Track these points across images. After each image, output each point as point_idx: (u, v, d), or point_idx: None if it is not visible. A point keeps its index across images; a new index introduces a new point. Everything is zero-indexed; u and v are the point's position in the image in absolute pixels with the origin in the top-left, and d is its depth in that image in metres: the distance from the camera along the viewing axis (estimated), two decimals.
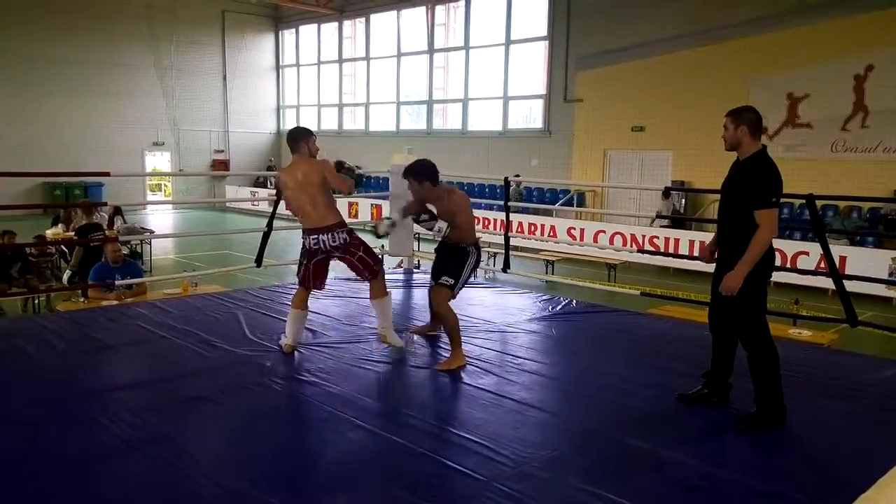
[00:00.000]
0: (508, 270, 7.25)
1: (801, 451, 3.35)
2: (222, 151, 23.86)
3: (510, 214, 7.46)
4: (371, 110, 22.08)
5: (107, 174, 6.48)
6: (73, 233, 9.25)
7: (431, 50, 19.85)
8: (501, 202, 7.68)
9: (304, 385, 3.96)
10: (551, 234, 13.75)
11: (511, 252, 7.38)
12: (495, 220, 14.27)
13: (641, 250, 11.02)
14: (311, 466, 3.00)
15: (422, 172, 4.48)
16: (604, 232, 13.16)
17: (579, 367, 4.56)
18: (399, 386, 4.20)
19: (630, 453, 3.22)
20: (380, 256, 4.95)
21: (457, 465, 3.00)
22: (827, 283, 6.99)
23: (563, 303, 6.23)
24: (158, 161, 22.85)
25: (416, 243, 8.24)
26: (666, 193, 12.02)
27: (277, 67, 25.04)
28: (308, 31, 23.85)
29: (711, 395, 3.81)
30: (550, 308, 6.08)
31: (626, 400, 3.88)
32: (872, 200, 11.62)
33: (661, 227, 12.85)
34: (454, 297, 4.48)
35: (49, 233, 9.97)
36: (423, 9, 19.74)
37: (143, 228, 12.24)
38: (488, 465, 3.00)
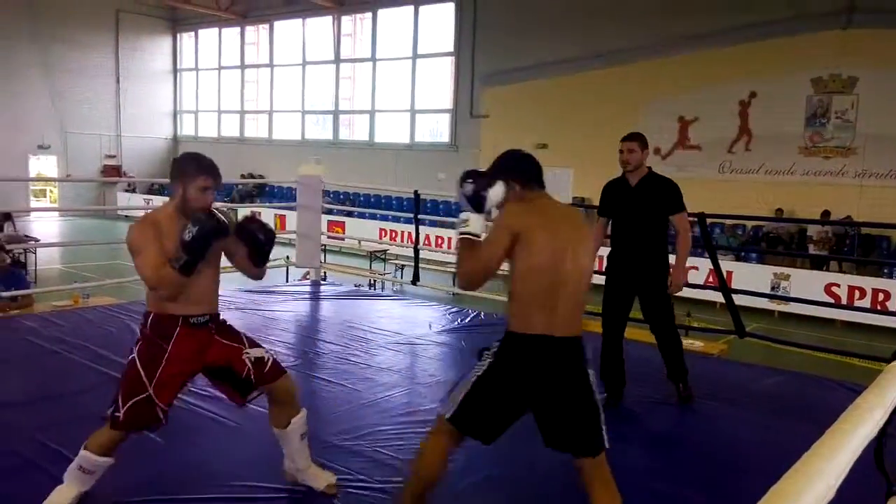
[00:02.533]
0: (418, 283, 7.28)
1: (697, 454, 3.54)
2: (114, 156, 22.74)
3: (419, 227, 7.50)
4: (275, 118, 21.67)
5: None
6: None
7: (338, 60, 19.72)
8: (410, 214, 7.72)
9: (206, 400, 3.83)
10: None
11: (420, 265, 7.42)
12: (403, 233, 14.30)
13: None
14: (218, 483, 2.91)
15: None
16: None
17: None
18: (309, 400, 4.13)
19: (538, 461, 3.30)
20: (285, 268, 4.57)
21: (367, 478, 2.98)
22: (714, 296, 7.42)
23: (472, 315, 6.32)
24: (44, 165, 21.54)
25: (322, 254, 8.13)
26: None
27: (175, 71, 24.17)
28: (208, 35, 23.16)
29: (614, 400, 4.06)
30: (459, 320, 6.15)
31: None
32: (756, 219, 12.41)
33: None
34: (447, 430, 2.43)
35: None
36: (329, 18, 19.61)
37: (27, 236, 11.50)
38: (399, 478, 3.00)
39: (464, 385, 2.37)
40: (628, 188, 4.01)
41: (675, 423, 3.93)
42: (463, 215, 2.38)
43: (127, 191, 22.48)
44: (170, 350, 2.56)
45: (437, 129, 18.23)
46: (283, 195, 18.76)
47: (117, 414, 2.51)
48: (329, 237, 12.34)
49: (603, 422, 2.34)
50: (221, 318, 2.77)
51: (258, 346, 2.76)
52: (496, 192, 2.37)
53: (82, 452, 2.56)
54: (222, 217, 2.53)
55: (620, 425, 3.82)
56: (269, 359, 2.74)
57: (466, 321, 6.12)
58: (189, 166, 2.60)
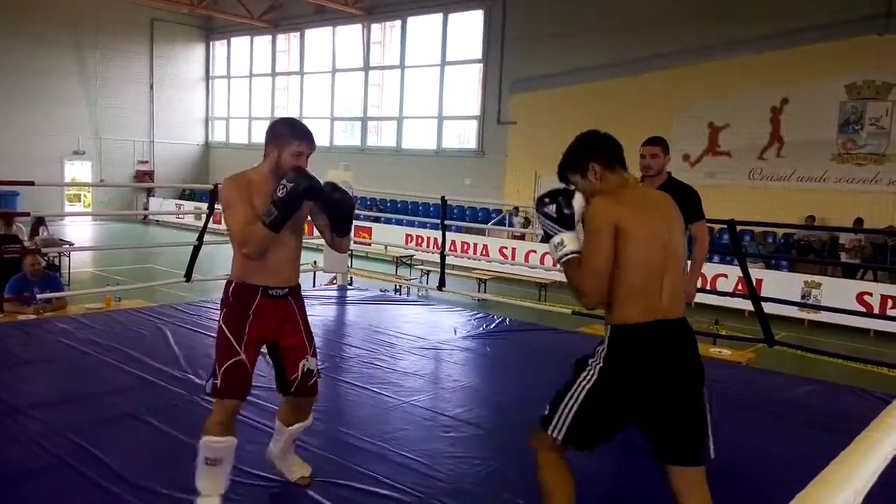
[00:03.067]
0: (444, 289, 7.29)
1: (724, 467, 3.49)
2: (146, 162, 23.15)
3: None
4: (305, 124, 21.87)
5: (31, 183, 6.21)
6: None
7: (367, 67, 19.88)
8: (437, 220, 7.74)
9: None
10: (483, 252, 13.90)
11: (445, 270, 7.43)
12: (429, 238, 14.33)
13: None
14: (243, 484, 2.94)
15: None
16: (534, 252, 13.40)
17: (513, 384, 4.62)
18: (334, 403, 4.16)
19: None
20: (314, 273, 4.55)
21: (393, 482, 2.99)
22: (744, 304, 7.33)
23: (497, 321, 6.31)
24: (78, 170, 22.00)
25: (350, 259, 8.19)
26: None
27: (207, 78, 24.55)
28: (240, 43, 23.50)
29: None
30: (484, 326, 6.15)
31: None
32: (786, 227, 12.23)
33: None
34: (556, 445, 2.32)
35: None
36: (358, 26, 19.78)
37: (61, 240, 11.75)
38: (425, 482, 3.01)
39: (571, 399, 2.22)
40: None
41: None
42: (556, 239, 2.26)
43: (153, 196, 22.83)
44: (251, 318, 2.62)
45: (464, 136, 18.27)
46: None
47: (215, 381, 2.56)
48: (356, 242, 12.42)
49: (710, 424, 2.24)
50: (301, 292, 2.83)
51: (315, 355, 2.83)
52: (578, 202, 2.26)
53: (202, 441, 2.55)
54: (315, 179, 2.57)
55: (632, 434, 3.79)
56: (317, 373, 2.82)
57: (492, 327, 6.12)
58: (285, 131, 2.73)
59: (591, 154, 2.34)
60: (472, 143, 17.78)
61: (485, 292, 11.29)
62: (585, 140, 2.41)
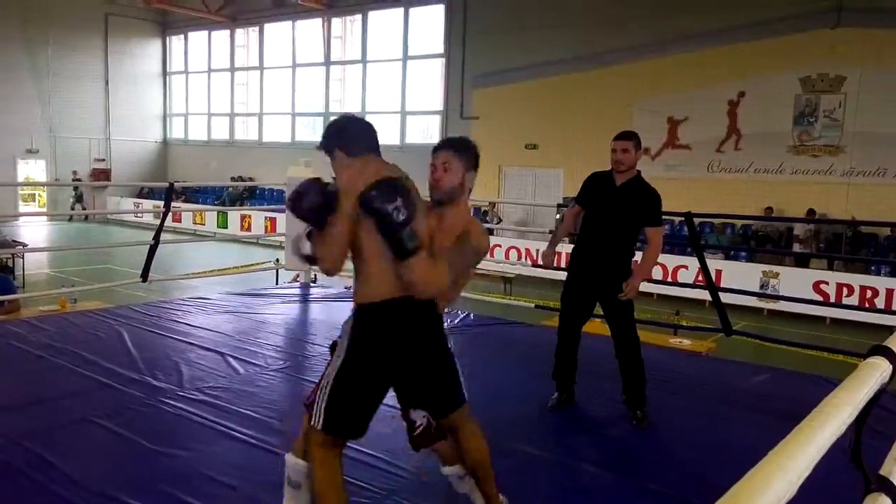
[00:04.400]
0: None
1: (676, 452, 3.55)
2: (103, 160, 22.65)
3: None
4: (265, 120, 21.63)
5: None
6: None
7: (328, 62, 19.70)
8: None
9: (194, 404, 3.82)
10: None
11: None
12: None
13: (535, 264, 11.35)
14: (203, 488, 2.90)
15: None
16: (499, 246, 13.45)
17: (476, 379, 4.62)
18: (297, 402, 4.13)
19: (524, 460, 3.30)
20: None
21: (354, 479, 2.98)
22: (704, 294, 7.46)
23: (461, 316, 6.32)
24: (32, 169, 21.44)
25: None
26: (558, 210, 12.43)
27: (164, 74, 24.09)
28: (198, 37, 23.10)
29: (566, 399, 4.02)
30: (448, 321, 6.14)
31: (521, 409, 3.98)
32: (745, 218, 12.47)
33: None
34: (326, 440, 2.31)
35: None
36: (319, 20, 19.59)
37: (14, 241, 11.44)
38: (386, 478, 3.00)
39: (325, 383, 2.28)
40: (612, 186, 3.83)
41: (659, 420, 3.94)
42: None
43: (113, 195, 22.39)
44: None
45: (427, 131, 18.23)
46: (273, 198, 18.72)
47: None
48: None
49: (461, 375, 2.50)
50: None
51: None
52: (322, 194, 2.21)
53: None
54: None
55: (598, 425, 3.84)
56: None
57: (456, 322, 6.12)
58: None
59: (334, 141, 2.36)
60: (435, 138, 17.76)
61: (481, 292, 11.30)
62: (330, 127, 2.42)
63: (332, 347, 2.40)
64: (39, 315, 5.86)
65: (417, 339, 2.34)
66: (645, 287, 10.57)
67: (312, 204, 2.16)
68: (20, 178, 20.93)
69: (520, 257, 13.06)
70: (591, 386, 4.23)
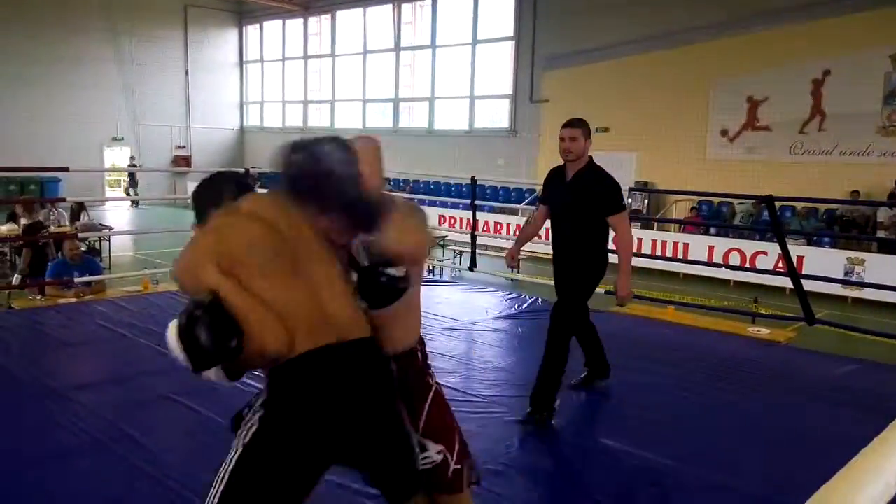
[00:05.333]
0: (475, 269, 7.27)
1: (754, 447, 3.42)
2: (184, 147, 23.45)
3: (476, 213, 7.49)
4: (337, 107, 21.92)
5: (65, 169, 6.32)
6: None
7: (398, 48, 19.78)
8: (468, 201, 7.70)
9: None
10: (517, 232, 13.81)
11: (477, 250, 7.40)
12: (461, 219, 14.29)
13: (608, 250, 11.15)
14: None
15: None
16: None
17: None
18: None
19: (593, 450, 3.25)
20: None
21: None
22: (785, 282, 7.17)
23: (529, 301, 6.27)
24: (118, 156, 22.38)
25: None
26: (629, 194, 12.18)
27: (241, 63, 24.70)
28: (272, 26, 23.56)
29: (596, 376, 4.06)
30: (517, 306, 6.11)
31: (591, 397, 3.92)
32: (829, 202, 11.90)
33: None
34: None
35: (4, 229, 9.70)
36: (389, 6, 19.66)
37: (101, 225, 11.98)
38: None
39: (218, 483, 1.64)
40: (564, 181, 3.65)
41: (735, 413, 3.81)
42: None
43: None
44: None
45: (496, 115, 18.11)
46: None
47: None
48: None
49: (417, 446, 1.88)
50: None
51: None
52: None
53: None
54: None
55: (672, 418, 3.73)
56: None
57: (524, 307, 6.08)
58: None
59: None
60: (504, 123, 17.62)
61: (518, 272, 11.23)
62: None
63: (236, 422, 1.75)
64: (124, 295, 6.12)
65: (361, 402, 1.67)
66: (720, 273, 10.17)
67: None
68: (107, 165, 21.87)
69: None
70: (664, 376, 4.13)
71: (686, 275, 10.62)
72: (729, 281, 10.57)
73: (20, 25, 19.53)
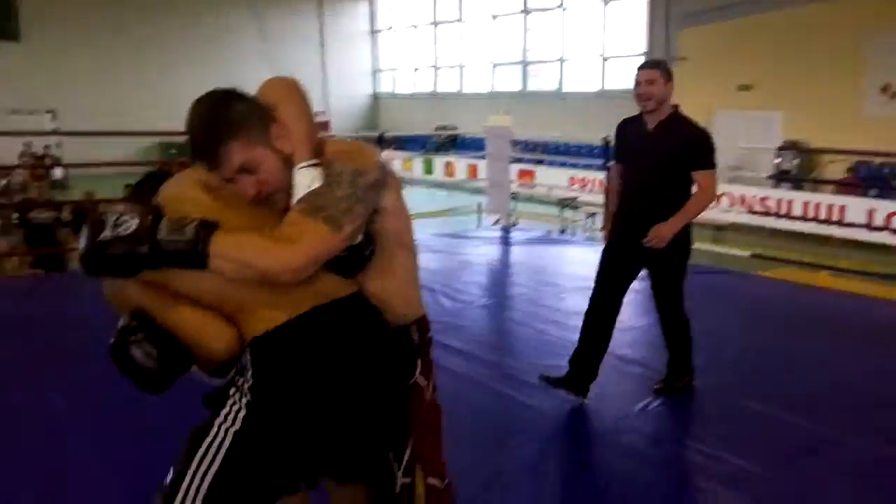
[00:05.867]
0: None
1: None
2: (322, 113, 24.42)
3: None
4: (465, 71, 21.99)
5: None
6: None
7: (526, 10, 19.48)
8: (599, 161, 7.56)
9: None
10: None
11: None
12: (594, 180, 14.02)
13: (751, 211, 10.67)
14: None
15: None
16: None
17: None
18: (501, 338, 4.25)
19: (736, 411, 3.15)
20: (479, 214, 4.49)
21: (554, 415, 3.03)
22: None
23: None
24: None
25: (512, 203, 8.21)
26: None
27: (372, 30, 25.27)
28: None
29: (573, 384, 3.28)
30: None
31: (736, 361, 3.79)
32: None
33: (774, 188, 12.26)
34: None
35: None
36: None
37: None
38: (585, 418, 3.03)
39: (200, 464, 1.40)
40: (644, 131, 3.18)
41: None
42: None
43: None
44: None
45: (629, 75, 17.51)
46: (475, 145, 19.09)
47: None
48: (520, 185, 12.39)
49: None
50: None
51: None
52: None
53: None
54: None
55: (827, 379, 3.53)
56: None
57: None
58: None
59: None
60: None
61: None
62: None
63: (210, 401, 1.50)
64: None
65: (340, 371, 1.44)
66: (881, 238, 9.39)
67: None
68: None
69: (732, 204, 12.21)
70: (817, 343, 3.92)
71: (841, 239, 9.93)
72: (890, 246, 9.78)
73: (175, 9, 20.84)
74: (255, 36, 22.74)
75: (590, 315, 3.34)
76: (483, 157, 9.09)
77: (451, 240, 6.85)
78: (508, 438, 2.88)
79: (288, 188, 1.38)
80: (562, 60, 18.84)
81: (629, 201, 3.26)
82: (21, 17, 18.30)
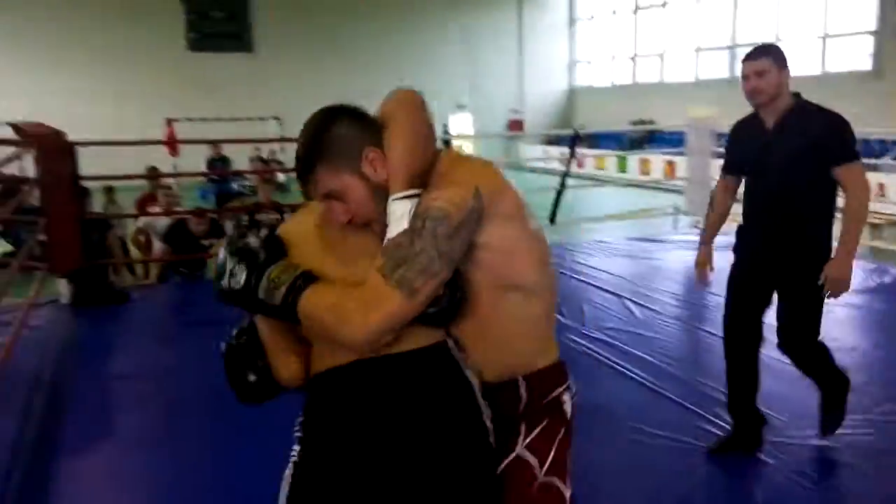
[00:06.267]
0: None
1: None
2: (518, 111, 24.66)
3: None
4: (666, 59, 21.09)
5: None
6: None
7: None
8: None
9: (595, 342, 4.06)
10: (878, 192, 12.02)
11: None
12: None
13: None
14: (601, 420, 3.09)
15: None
16: None
17: None
18: (694, 353, 4.11)
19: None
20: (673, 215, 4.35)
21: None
22: None
23: (893, 273, 5.49)
24: (460, 122, 24.37)
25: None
26: None
27: (570, 22, 25.02)
28: None
29: (749, 443, 2.87)
30: (877, 279, 5.39)
31: None
32: None
33: None
34: None
35: None
36: None
37: None
38: (788, 439, 2.86)
39: None
40: (763, 132, 2.68)
41: None
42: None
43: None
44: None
45: (853, 56, 15.77)
46: (673, 140, 18.28)
47: None
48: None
49: None
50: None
51: None
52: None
53: None
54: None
55: None
56: None
57: (886, 280, 5.35)
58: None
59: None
60: (865, 65, 15.28)
61: (880, 239, 9.80)
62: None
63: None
64: None
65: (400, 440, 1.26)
66: None
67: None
68: (452, 132, 23.98)
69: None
70: None
71: None
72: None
73: (376, 14, 22.10)
74: (454, 36, 23.50)
75: (730, 351, 2.89)
76: (681, 154, 8.71)
77: (644, 244, 6.67)
78: (698, 466, 2.79)
79: (382, 218, 1.27)
80: (777, 41, 17.44)
81: (755, 217, 2.78)
82: (255, 31, 20.47)
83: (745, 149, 2.81)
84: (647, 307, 4.73)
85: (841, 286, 2.57)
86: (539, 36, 24.56)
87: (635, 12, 22.14)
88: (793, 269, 2.67)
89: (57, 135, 5.16)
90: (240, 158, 13.71)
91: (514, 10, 24.26)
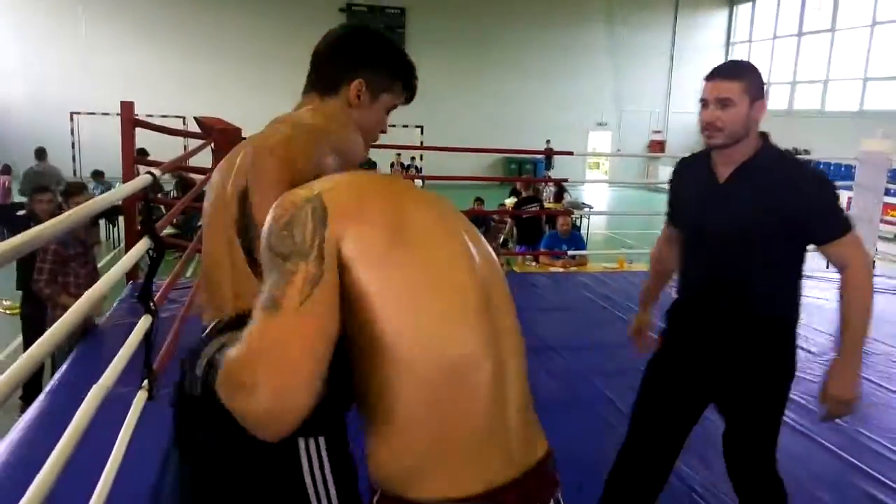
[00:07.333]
0: None
1: None
2: (660, 132, 23.99)
3: None
4: (829, 87, 19.81)
5: (570, 153, 7.10)
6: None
7: None
8: None
9: None
10: None
11: None
12: None
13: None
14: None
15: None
16: None
17: None
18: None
19: None
20: None
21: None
22: None
23: None
24: (600, 140, 24.04)
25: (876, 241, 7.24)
26: None
27: (727, 44, 24.07)
28: (766, 3, 22.32)
29: None
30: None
31: None
32: None
33: None
34: None
35: (507, 202, 11.36)
36: None
37: (583, 204, 13.11)
38: None
39: None
40: (712, 182, 1.97)
41: None
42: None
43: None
44: None
45: None
46: (834, 174, 17.13)
47: None
48: (883, 221, 10.84)
49: None
50: None
51: None
52: None
53: None
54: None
55: None
56: None
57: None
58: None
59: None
60: None
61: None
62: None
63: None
64: (602, 271, 6.65)
65: None
66: None
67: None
68: (589, 149, 23.74)
69: None
70: None
71: None
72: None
73: (529, 15, 22.17)
74: (606, 51, 23.24)
75: (618, 474, 2.18)
76: (849, 188, 8.14)
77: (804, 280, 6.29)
78: None
79: None
80: None
81: (692, 293, 2.10)
82: (408, 44, 21.24)
83: (686, 198, 2.12)
84: (801, 347, 4.44)
85: (846, 410, 1.91)
86: (692, 56, 23.81)
87: (799, 36, 21.00)
88: (739, 376, 1.99)
89: (234, 130, 5.54)
90: (382, 163, 14.25)
91: (668, 30, 23.67)
